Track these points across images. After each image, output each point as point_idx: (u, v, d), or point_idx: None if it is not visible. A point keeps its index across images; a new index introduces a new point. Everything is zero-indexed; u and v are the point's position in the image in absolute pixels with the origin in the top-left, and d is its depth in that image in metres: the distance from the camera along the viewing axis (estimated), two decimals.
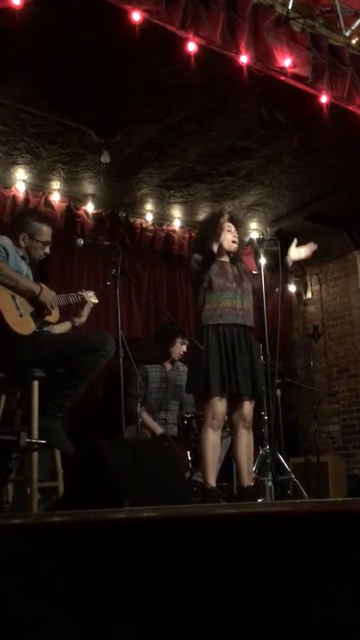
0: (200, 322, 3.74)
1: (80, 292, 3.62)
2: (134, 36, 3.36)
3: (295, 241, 3.92)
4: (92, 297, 3.64)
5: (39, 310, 3.20)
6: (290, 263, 3.88)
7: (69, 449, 3.12)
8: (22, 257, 3.27)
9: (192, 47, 3.53)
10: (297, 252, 3.90)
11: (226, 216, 3.74)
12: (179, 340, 5.00)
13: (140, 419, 4.52)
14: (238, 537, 1.06)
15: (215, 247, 3.68)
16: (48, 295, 3.22)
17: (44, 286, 3.26)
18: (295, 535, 1.03)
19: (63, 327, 3.51)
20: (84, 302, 3.60)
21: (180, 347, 5.02)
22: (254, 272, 3.92)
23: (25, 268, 3.27)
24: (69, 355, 3.10)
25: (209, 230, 3.81)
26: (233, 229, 3.90)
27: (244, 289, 3.78)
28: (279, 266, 3.70)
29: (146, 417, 4.76)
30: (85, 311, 3.61)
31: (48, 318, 3.29)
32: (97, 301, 3.70)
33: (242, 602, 1.03)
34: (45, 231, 3.33)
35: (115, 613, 1.07)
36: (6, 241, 3.18)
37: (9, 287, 3.06)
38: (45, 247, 3.34)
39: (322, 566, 1.00)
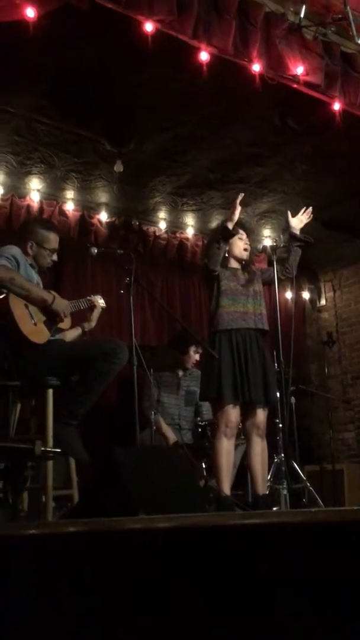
0: (212, 327, 3.75)
1: (89, 297, 3.63)
2: (146, 46, 3.37)
3: (289, 213, 4.02)
4: (100, 302, 3.65)
5: (52, 318, 3.22)
6: (298, 232, 3.93)
7: (84, 458, 3.12)
8: (31, 266, 3.29)
9: (204, 56, 3.54)
10: (298, 221, 3.96)
11: (240, 196, 3.75)
12: (192, 349, 5.01)
13: (155, 427, 4.52)
14: (253, 546, 1.05)
15: (230, 225, 3.69)
16: (61, 303, 3.24)
17: (56, 294, 3.27)
18: (312, 545, 1.02)
19: (74, 333, 3.51)
20: (92, 306, 3.61)
21: (193, 356, 5.03)
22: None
23: (35, 276, 3.29)
24: (82, 362, 3.11)
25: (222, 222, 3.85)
26: (244, 236, 3.91)
27: (255, 293, 3.80)
28: (290, 249, 3.87)
29: (161, 423, 4.76)
30: (95, 316, 3.61)
31: (61, 325, 3.31)
32: (105, 305, 3.70)
33: (257, 610, 1.03)
34: (53, 239, 3.35)
35: (129, 623, 1.07)
36: (16, 250, 3.20)
37: (22, 296, 3.08)
38: (52, 255, 3.36)
39: (339, 576, 0.99)
